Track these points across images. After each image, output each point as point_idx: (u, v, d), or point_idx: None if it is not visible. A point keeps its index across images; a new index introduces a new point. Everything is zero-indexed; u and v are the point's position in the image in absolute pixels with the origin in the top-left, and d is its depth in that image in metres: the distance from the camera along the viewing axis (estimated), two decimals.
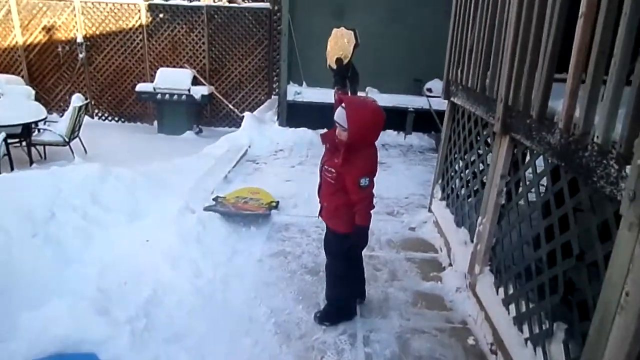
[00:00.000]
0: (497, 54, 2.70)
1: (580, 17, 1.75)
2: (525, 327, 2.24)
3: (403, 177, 5.55)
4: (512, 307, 2.40)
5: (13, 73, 9.54)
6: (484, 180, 3.06)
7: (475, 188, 3.25)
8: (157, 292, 2.81)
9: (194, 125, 9.41)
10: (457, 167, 3.71)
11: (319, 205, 2.67)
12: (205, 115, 10.05)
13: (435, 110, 7.17)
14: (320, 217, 2.69)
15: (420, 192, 5.00)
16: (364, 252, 3.40)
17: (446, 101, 4.07)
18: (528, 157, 2.45)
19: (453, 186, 3.76)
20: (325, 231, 2.73)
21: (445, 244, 3.58)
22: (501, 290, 2.57)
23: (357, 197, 2.38)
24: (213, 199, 4.32)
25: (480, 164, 3.22)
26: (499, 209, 2.66)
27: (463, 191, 3.54)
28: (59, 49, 9.50)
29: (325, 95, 7.33)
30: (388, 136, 7.29)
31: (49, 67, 9.80)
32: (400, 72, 7.50)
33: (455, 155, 3.77)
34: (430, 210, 4.21)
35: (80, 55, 9.54)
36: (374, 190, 2.46)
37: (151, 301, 2.72)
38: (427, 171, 5.86)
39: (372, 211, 2.47)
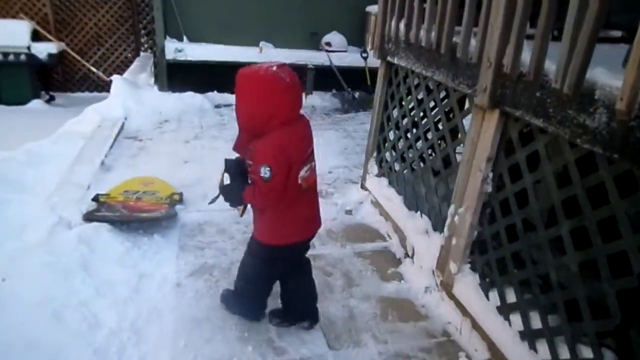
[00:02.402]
0: (473, 5, 2.16)
1: None
2: (543, 347, 1.87)
3: (318, 146, 4.82)
4: (517, 318, 2.02)
5: None
6: (448, 159, 2.61)
7: (435, 168, 2.79)
8: None
9: (42, 92, 7.59)
10: (401, 141, 3.21)
11: None
12: (56, 78, 8.21)
13: (336, 66, 6.62)
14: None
15: (343, 164, 4.47)
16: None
17: (374, 60, 3.50)
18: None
19: (397, 162, 3.27)
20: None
21: (394, 229, 3.12)
22: (493, 295, 2.18)
23: (257, 186, 1.88)
24: (93, 199, 3.27)
25: (440, 140, 2.75)
26: (483, 198, 2.22)
27: (412, 170, 3.07)
28: None
29: (213, 51, 6.28)
30: None
31: None
32: (295, 24, 6.71)
33: (397, 127, 3.26)
34: (364, 188, 3.71)
35: None
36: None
37: None
38: (341, 136, 5.35)
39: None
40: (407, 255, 2.92)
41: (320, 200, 3.60)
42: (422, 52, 2.71)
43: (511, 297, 2.08)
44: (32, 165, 3.81)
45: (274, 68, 1.83)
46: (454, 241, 2.40)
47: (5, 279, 2.35)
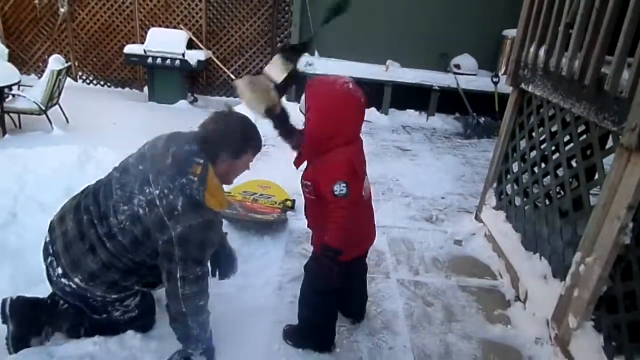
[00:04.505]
0: (630, 35, 1.93)
1: None
2: None
3: (434, 169, 4.80)
4: None
5: None
6: (580, 201, 2.35)
7: (563, 208, 2.53)
8: None
9: (188, 94, 8.51)
10: (525, 175, 2.98)
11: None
12: (200, 82, 9.12)
13: (463, 89, 6.40)
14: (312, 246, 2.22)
15: (458, 191, 4.28)
16: (410, 278, 2.79)
17: (504, 86, 3.30)
18: None
19: (518, 197, 3.04)
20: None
21: (507, 268, 2.90)
22: None
23: (331, 206, 1.81)
24: None
25: (572, 178, 2.50)
26: (618, 250, 1.96)
27: (535, 207, 2.83)
28: (36, 1, 8.41)
29: (340, 67, 6.49)
30: (409, 116, 6.52)
31: (25, 22, 8.73)
32: (425, 44, 6.66)
33: (523, 159, 3.04)
34: (478, 219, 3.50)
35: (62, 10, 8.47)
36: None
37: None
38: (459, 162, 5.13)
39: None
40: (517, 298, 2.69)
41: (429, 226, 3.57)
42: (562, 81, 2.49)
43: None
44: None
45: (350, 85, 1.84)
46: (576, 292, 2.15)
47: None
